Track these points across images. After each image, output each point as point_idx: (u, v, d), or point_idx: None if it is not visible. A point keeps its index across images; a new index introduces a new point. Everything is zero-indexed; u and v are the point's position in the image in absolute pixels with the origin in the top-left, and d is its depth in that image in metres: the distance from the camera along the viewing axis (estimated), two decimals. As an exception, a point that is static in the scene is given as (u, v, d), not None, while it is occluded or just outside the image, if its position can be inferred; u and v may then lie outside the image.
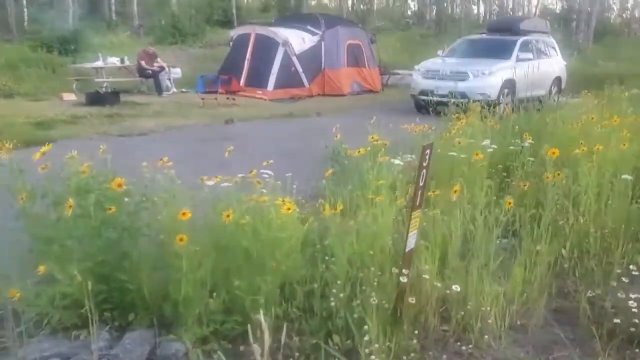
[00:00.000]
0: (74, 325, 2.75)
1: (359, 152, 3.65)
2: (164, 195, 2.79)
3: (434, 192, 3.08)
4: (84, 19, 22.89)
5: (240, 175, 3.06)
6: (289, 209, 2.72)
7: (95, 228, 2.62)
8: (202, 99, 11.65)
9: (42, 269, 2.43)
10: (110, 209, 2.66)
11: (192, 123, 9.63)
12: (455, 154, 3.93)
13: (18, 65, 14.32)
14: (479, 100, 7.67)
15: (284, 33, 13.45)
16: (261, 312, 2.53)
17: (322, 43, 13.86)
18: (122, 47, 17.62)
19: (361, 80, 14.60)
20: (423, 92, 10.47)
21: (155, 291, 2.82)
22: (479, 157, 3.38)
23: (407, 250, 2.55)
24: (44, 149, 2.75)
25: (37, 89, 12.49)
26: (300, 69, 13.40)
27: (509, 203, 2.97)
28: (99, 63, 12.90)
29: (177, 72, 13.74)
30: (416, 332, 2.56)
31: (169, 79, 13.38)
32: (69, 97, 11.75)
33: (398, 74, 16.54)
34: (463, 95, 9.71)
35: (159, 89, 12.92)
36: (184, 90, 13.65)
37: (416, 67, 11.23)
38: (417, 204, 2.49)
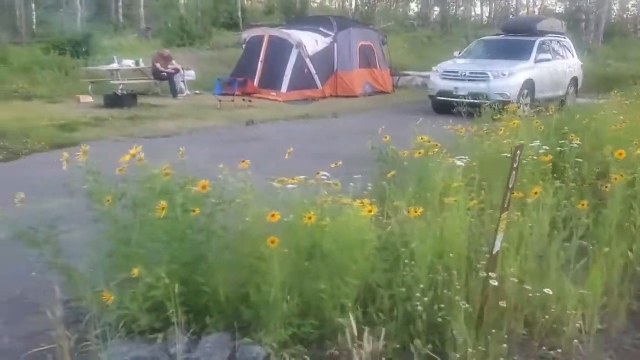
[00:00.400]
0: (152, 329, 2.74)
1: (418, 153, 3.64)
2: (243, 197, 2.78)
3: (517, 194, 3.05)
4: (92, 21, 22.88)
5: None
6: (370, 211, 2.71)
7: (182, 231, 2.61)
8: (220, 101, 11.64)
9: (136, 272, 2.42)
10: (194, 211, 2.65)
11: (212, 125, 9.63)
12: (509, 155, 3.92)
13: (32, 68, 14.29)
14: (498, 101, 7.67)
15: (297, 35, 13.45)
16: (351, 316, 2.54)
17: (335, 45, 13.86)
18: (131, 49, 17.58)
19: (373, 81, 14.61)
20: (442, 93, 10.48)
21: (231, 294, 2.81)
22: (545, 159, 3.37)
23: (494, 252, 2.54)
24: (133, 151, 2.72)
25: (53, 92, 12.47)
26: (313, 71, 13.40)
27: (582, 205, 2.96)
28: (115, 65, 12.89)
29: (191, 75, 13.74)
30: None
31: (183, 82, 13.37)
32: (86, 99, 11.74)
33: (408, 75, 16.56)
34: (483, 96, 9.72)
35: (174, 91, 12.91)
36: (197, 92, 13.65)
37: (434, 68, 11.24)
38: (506, 206, 2.48)
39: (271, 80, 13.17)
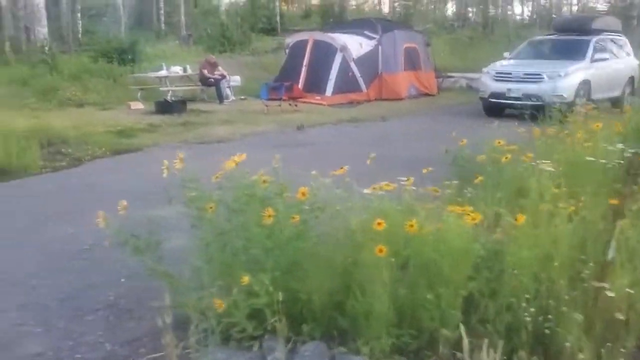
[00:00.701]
0: (249, 336, 2.74)
1: (505, 157, 3.56)
2: (344, 204, 2.76)
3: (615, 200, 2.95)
4: (134, 29, 23.38)
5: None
6: (474, 219, 2.65)
7: (285, 238, 2.60)
8: (266, 105, 11.71)
9: (245, 279, 2.43)
10: (294, 218, 2.64)
11: (263, 130, 9.67)
12: (593, 159, 3.79)
13: (82, 76, 14.66)
14: (554, 103, 7.48)
15: (341, 38, 13.45)
16: (461, 327, 2.49)
17: (380, 47, 13.81)
18: (173, 56, 17.88)
19: (418, 83, 14.49)
20: (494, 95, 10.31)
21: (327, 302, 2.79)
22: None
23: (607, 261, 2.45)
24: (236, 158, 2.73)
25: (103, 99, 12.75)
26: (358, 74, 13.37)
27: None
28: (164, 72, 13.10)
29: (236, 80, 13.87)
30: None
31: (229, 87, 13.49)
32: (137, 106, 11.96)
33: (452, 76, 16.37)
34: (538, 97, 9.53)
35: (220, 97, 13.05)
36: (242, 97, 13.76)
37: (484, 69, 11.07)
38: (620, 213, 2.39)
39: (315, 84, 13.20)
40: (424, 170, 3.20)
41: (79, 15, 23.81)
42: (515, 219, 2.71)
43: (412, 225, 2.60)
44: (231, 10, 25.70)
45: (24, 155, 7.14)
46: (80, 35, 23.33)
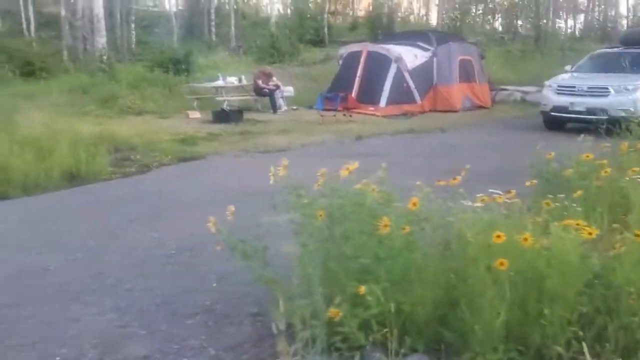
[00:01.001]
0: (351, 346, 2.71)
1: (605, 172, 3.45)
2: (453, 216, 2.72)
3: None
4: (186, 40, 23.90)
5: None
6: (590, 233, 2.57)
7: (398, 248, 2.58)
8: (322, 116, 11.75)
9: (362, 289, 2.41)
10: (404, 229, 2.61)
11: (321, 139, 9.70)
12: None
13: (139, 85, 15.06)
14: (620, 117, 7.25)
15: (396, 49, 13.43)
16: (584, 345, 2.41)
17: (435, 59, 13.72)
18: (225, 67, 18.15)
19: (472, 95, 14.32)
20: (556, 109, 10.09)
21: (430, 314, 2.75)
22: None
23: None
24: (350, 166, 2.73)
25: (161, 107, 13.04)
26: (412, 85, 13.30)
27: None
28: (220, 82, 13.33)
29: (289, 91, 13.99)
30: None
31: (282, 97, 13.62)
32: (194, 115, 12.19)
33: (506, 89, 16.12)
34: (603, 111, 9.28)
35: (274, 107, 13.18)
36: (294, 108, 13.86)
37: (546, 82, 10.84)
38: None
39: (369, 95, 13.19)
40: (509, 188, 3.11)
41: (132, 26, 24.53)
42: (636, 235, 2.61)
43: (526, 239, 2.54)
44: (280, 22, 25.99)
45: (93, 161, 7.34)
46: (133, 46, 24.03)
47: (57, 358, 2.75)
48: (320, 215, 2.69)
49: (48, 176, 6.72)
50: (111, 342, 2.90)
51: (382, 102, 12.98)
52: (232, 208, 2.84)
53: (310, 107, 13.56)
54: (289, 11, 30.14)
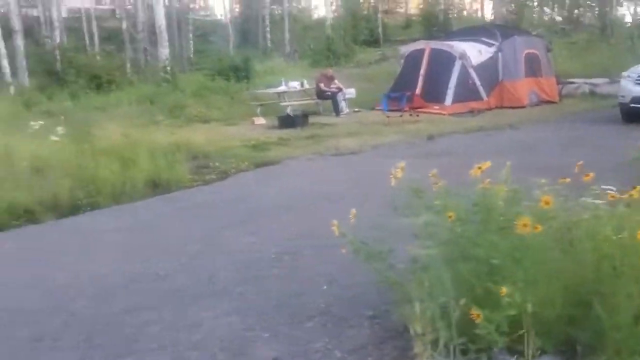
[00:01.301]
0: (478, 349, 2.65)
1: None
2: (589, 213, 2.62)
3: None
4: (240, 47, 24.32)
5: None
6: None
7: (535, 248, 2.51)
8: (388, 116, 11.67)
9: (504, 291, 2.36)
10: (536, 228, 2.53)
11: (391, 140, 9.62)
12: None
13: (202, 93, 15.42)
14: None
15: (460, 46, 13.21)
16: None
17: (500, 54, 13.40)
18: (281, 72, 18.34)
19: (539, 90, 13.89)
20: (637, 100, 9.65)
21: (559, 314, 2.66)
22: None
23: None
24: (483, 166, 2.67)
25: (225, 115, 13.27)
26: (477, 82, 13.03)
27: None
28: (283, 87, 13.45)
29: (351, 93, 13.96)
30: None
31: (344, 100, 13.60)
32: (259, 121, 12.34)
33: (573, 82, 15.55)
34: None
35: (336, 109, 13.18)
36: (355, 109, 13.82)
37: (624, 73, 10.39)
38: None
39: (434, 93, 13.00)
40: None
41: (190, 35, 25.17)
42: None
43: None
44: (335, 23, 26.07)
45: (173, 169, 7.51)
46: (192, 55, 24.65)
47: (190, 360, 2.81)
48: (450, 217, 2.63)
49: (133, 185, 6.92)
50: (238, 344, 2.94)
51: (448, 100, 12.77)
52: (353, 211, 2.83)
53: (372, 109, 13.50)
54: (339, 13, 30.17)
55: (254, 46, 25.32)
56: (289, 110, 12.53)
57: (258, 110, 13.12)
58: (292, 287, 3.64)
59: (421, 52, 13.61)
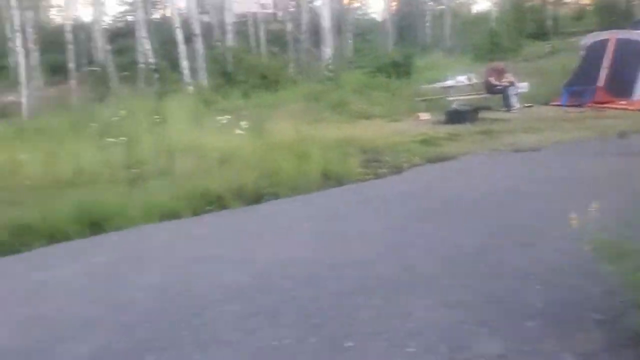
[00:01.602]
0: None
1: None
2: None
3: None
4: (398, 44, 24.22)
5: None
6: None
7: None
8: (568, 112, 10.81)
9: None
10: None
11: (575, 137, 8.86)
12: None
13: (363, 90, 15.57)
14: None
15: (652, 35, 11.82)
16: None
17: (703, 42, 11.75)
18: (443, 67, 17.83)
19: None
20: None
21: None
22: None
23: None
24: None
25: (388, 111, 13.22)
26: (672, 74, 11.54)
27: None
28: (450, 82, 13.12)
29: (524, 87, 13.15)
30: None
31: (516, 94, 12.85)
32: (425, 116, 12.11)
33: None
34: None
35: (507, 104, 12.49)
36: (527, 105, 12.99)
37: None
38: None
39: (618, 87, 11.74)
40: None
41: (350, 34, 25.63)
42: None
43: None
44: (500, 17, 24.89)
45: (345, 163, 7.63)
46: (351, 54, 25.07)
47: (409, 349, 2.76)
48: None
49: (307, 177, 7.15)
50: (455, 337, 2.85)
51: (636, 94, 11.48)
52: (595, 205, 2.58)
53: (545, 103, 12.60)
54: (501, 6, 28.71)
55: (412, 43, 25.05)
56: (455, 105, 12.14)
57: (424, 105, 12.90)
58: (500, 284, 3.46)
59: (604, 43, 12.38)
